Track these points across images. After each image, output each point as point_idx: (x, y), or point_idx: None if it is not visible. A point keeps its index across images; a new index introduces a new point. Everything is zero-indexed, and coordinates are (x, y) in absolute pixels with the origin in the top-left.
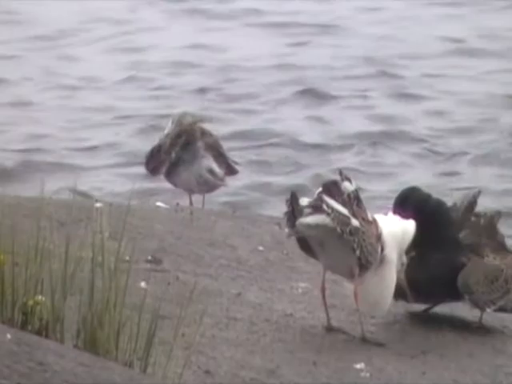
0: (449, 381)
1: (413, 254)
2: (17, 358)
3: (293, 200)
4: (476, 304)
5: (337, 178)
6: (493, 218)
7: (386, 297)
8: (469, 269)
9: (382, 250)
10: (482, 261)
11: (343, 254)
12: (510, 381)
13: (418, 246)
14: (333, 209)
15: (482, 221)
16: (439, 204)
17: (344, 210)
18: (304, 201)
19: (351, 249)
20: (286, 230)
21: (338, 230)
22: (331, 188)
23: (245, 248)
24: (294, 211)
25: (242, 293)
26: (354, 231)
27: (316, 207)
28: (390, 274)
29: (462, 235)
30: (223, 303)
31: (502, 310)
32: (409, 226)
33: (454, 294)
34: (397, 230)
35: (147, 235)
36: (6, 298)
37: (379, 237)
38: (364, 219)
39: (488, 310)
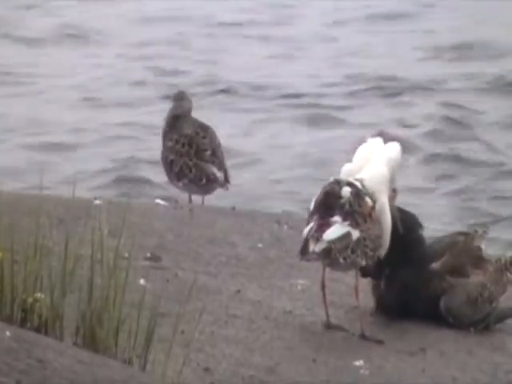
0: (448, 378)
1: (387, 272)
2: (16, 355)
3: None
4: (460, 326)
5: (334, 184)
6: (468, 237)
7: (387, 235)
8: (451, 292)
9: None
10: (465, 280)
11: (349, 267)
12: (509, 378)
13: (391, 265)
14: (332, 240)
15: (460, 242)
16: (412, 224)
17: (342, 229)
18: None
19: (357, 265)
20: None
21: (341, 260)
22: (329, 198)
23: (244, 245)
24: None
25: (241, 290)
26: (356, 245)
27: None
28: (386, 218)
29: (443, 260)
30: (222, 300)
31: (486, 328)
32: (393, 148)
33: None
34: (384, 165)
35: (146, 232)
36: (5, 295)
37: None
38: (365, 216)
39: (472, 329)
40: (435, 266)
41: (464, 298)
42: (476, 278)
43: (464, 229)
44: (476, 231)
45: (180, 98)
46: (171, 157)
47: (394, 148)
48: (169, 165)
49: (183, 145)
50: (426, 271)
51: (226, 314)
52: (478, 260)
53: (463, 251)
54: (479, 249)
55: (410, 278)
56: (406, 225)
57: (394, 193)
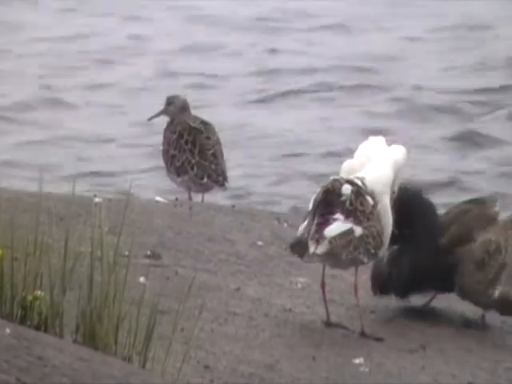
0: (448, 375)
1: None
2: (16, 353)
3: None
4: (477, 303)
5: (334, 182)
6: (483, 204)
7: (387, 235)
8: (461, 270)
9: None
10: (470, 246)
11: (350, 264)
12: (509, 376)
13: (398, 242)
14: (334, 236)
15: (472, 210)
16: (420, 200)
17: (344, 225)
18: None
19: (359, 262)
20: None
21: (343, 257)
22: (329, 196)
23: (244, 243)
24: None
25: (241, 288)
26: (359, 241)
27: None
28: (386, 217)
29: (449, 233)
30: (222, 298)
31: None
32: (399, 151)
33: (437, 285)
34: (388, 167)
35: (146, 230)
36: (5, 292)
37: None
38: (367, 214)
39: (488, 305)
40: (443, 240)
41: (472, 267)
42: (481, 237)
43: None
44: (492, 199)
45: (168, 103)
46: (172, 151)
47: (400, 151)
48: (169, 158)
49: (187, 142)
50: (433, 250)
51: (225, 311)
52: (489, 223)
53: (474, 218)
54: (495, 213)
55: (420, 261)
56: (416, 206)
57: (393, 194)
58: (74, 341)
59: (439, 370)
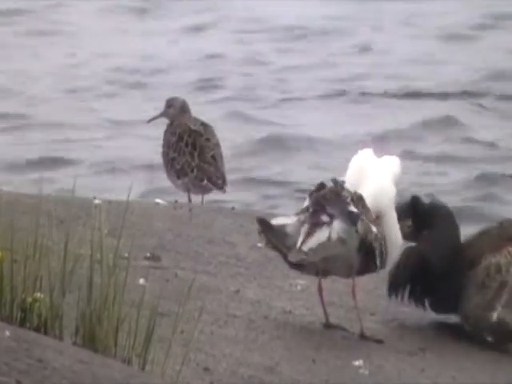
0: (448, 378)
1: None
2: (16, 355)
3: (264, 227)
4: (476, 328)
5: (333, 181)
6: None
7: (396, 251)
8: (463, 294)
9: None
10: (473, 271)
11: (346, 263)
12: (509, 379)
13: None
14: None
15: (492, 231)
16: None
17: (361, 214)
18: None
19: (372, 260)
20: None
21: (368, 239)
22: (327, 191)
23: (244, 245)
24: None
25: (240, 290)
26: (375, 238)
27: (316, 223)
28: (394, 229)
29: (467, 252)
30: (222, 300)
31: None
32: (395, 162)
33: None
34: (388, 180)
35: (146, 232)
36: (4, 295)
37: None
38: (374, 220)
39: (488, 332)
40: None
41: (473, 291)
42: (487, 260)
43: None
44: None
45: (168, 105)
46: (172, 154)
47: (396, 162)
48: (169, 161)
49: (187, 144)
50: (446, 249)
51: (225, 313)
52: (499, 241)
53: (488, 240)
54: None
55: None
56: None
57: None
58: (74, 343)
59: (439, 373)
